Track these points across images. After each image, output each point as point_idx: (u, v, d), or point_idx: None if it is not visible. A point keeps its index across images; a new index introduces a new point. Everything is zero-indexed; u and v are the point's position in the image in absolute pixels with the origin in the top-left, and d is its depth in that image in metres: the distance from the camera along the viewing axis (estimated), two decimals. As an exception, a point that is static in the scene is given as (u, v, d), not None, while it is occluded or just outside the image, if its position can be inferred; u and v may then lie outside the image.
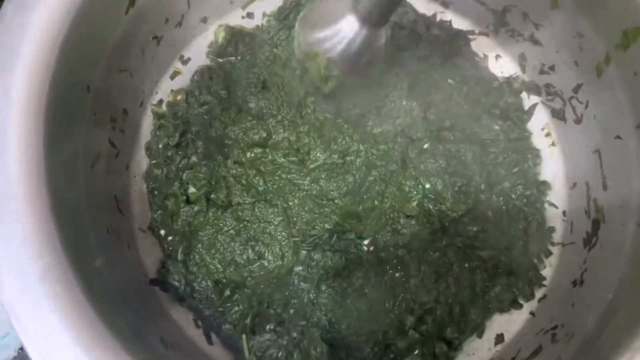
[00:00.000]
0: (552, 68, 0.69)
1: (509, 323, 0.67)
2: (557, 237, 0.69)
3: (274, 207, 0.65)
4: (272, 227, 0.65)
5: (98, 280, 0.48)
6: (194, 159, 0.67)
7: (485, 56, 0.76)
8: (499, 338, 0.66)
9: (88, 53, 0.53)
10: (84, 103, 0.54)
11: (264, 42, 0.72)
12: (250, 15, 0.75)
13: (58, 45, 0.47)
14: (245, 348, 0.63)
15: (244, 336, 0.63)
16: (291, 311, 0.62)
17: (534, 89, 0.73)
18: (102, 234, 0.56)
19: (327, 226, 0.65)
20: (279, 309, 0.63)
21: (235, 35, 0.72)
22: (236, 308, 0.63)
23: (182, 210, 0.65)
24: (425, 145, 0.68)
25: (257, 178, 0.66)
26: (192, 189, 0.65)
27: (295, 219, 0.65)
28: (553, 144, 0.73)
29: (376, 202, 0.66)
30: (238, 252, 0.64)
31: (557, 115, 0.71)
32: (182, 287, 0.64)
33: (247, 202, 0.66)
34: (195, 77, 0.71)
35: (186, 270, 0.64)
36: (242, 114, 0.68)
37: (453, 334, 0.63)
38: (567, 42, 0.64)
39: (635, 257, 0.54)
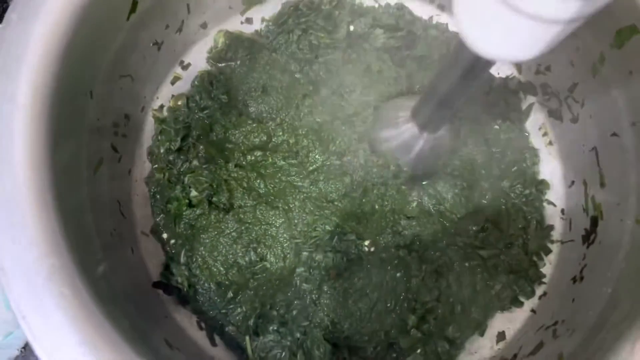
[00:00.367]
0: (547, 68, 0.70)
1: (510, 321, 0.67)
2: (556, 234, 0.70)
3: (275, 209, 0.66)
4: (274, 229, 0.65)
5: (103, 282, 0.49)
6: (195, 162, 0.67)
7: (482, 57, 0.77)
8: (501, 336, 0.66)
9: (91, 59, 0.54)
10: (87, 108, 0.55)
11: (263, 46, 0.73)
12: (249, 21, 0.75)
13: (61, 52, 0.47)
14: (249, 349, 0.63)
15: (247, 337, 0.63)
16: (294, 312, 0.63)
17: (530, 89, 0.74)
18: (106, 238, 0.56)
19: (327, 228, 0.65)
20: (282, 310, 0.63)
21: (234, 41, 0.72)
22: (239, 310, 0.63)
23: (184, 213, 0.66)
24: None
25: (258, 181, 0.67)
26: (194, 193, 0.66)
27: (296, 221, 0.66)
28: (550, 143, 0.73)
29: (377, 206, 0.66)
30: (240, 254, 0.64)
31: (554, 114, 0.71)
32: (185, 290, 0.64)
33: (248, 204, 0.66)
34: (196, 82, 0.72)
35: (189, 272, 0.65)
36: (243, 118, 0.69)
37: (455, 332, 0.64)
38: (562, 43, 0.65)
39: (634, 252, 0.55)
